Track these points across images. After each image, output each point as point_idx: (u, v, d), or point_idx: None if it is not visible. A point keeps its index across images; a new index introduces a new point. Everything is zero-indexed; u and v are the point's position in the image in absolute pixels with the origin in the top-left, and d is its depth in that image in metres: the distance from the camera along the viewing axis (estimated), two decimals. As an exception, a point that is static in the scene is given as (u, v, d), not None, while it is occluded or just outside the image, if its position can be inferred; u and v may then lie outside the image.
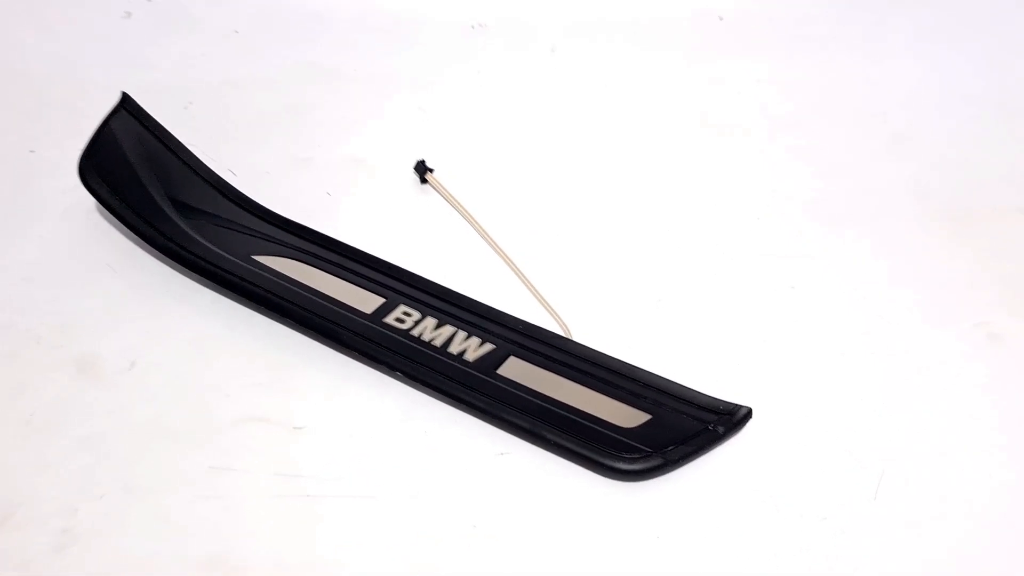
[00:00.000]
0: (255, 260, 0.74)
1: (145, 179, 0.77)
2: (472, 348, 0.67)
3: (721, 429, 0.60)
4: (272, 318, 0.71)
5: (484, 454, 0.62)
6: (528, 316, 0.70)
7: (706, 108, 0.95)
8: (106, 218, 0.79)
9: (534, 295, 0.74)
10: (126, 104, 0.79)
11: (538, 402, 0.63)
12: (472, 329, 0.68)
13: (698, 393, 0.63)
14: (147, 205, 0.76)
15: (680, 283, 0.75)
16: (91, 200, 0.76)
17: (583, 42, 1.01)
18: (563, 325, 0.71)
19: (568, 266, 0.77)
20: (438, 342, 0.67)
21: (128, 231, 0.75)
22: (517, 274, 0.75)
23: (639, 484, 0.59)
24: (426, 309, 0.70)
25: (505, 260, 0.77)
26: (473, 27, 1.05)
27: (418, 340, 0.68)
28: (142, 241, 0.74)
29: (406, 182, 0.87)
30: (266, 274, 0.73)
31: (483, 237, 0.79)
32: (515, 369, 0.66)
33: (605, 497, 0.59)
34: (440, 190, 0.85)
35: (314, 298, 0.71)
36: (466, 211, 0.82)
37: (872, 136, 0.91)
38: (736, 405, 0.62)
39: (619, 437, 0.60)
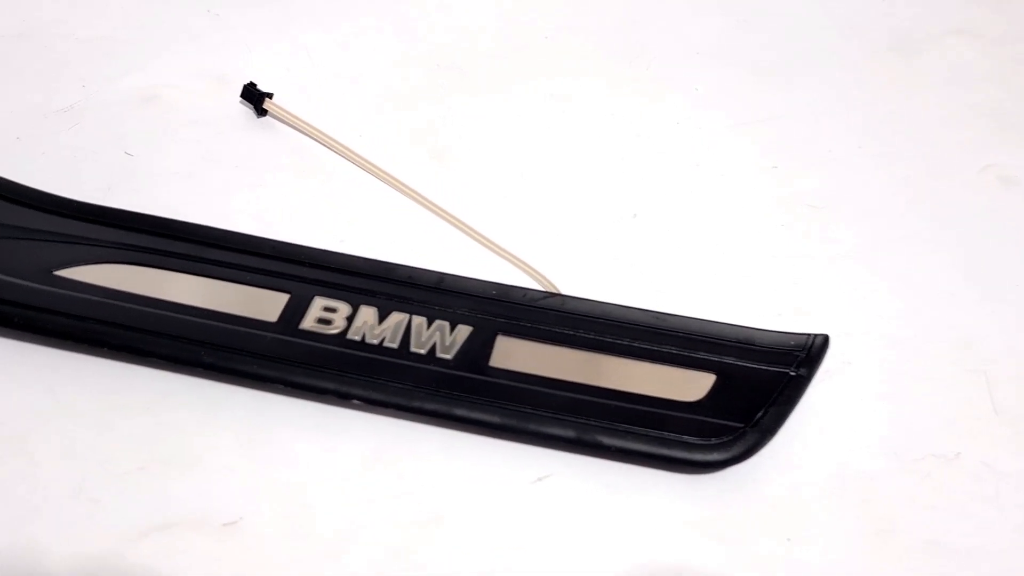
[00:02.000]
0: (60, 277, 0.48)
1: None
2: (442, 339, 0.47)
3: (804, 371, 0.46)
4: (127, 360, 0.47)
5: (515, 485, 0.44)
6: (483, 275, 0.51)
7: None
8: None
9: (479, 242, 0.54)
10: None
11: (566, 394, 0.45)
12: (428, 311, 0.48)
13: (755, 330, 0.48)
14: None
15: (651, 190, 0.59)
16: None
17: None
18: (538, 276, 0.52)
19: (498, 196, 0.58)
20: (392, 341, 0.47)
21: None
22: (443, 217, 0.55)
23: (733, 470, 0.44)
24: (354, 296, 0.49)
25: (421, 202, 0.57)
26: None
27: (362, 345, 0.47)
28: None
29: (235, 117, 0.63)
30: (90, 296, 0.47)
31: (378, 175, 0.58)
32: (511, 353, 0.47)
33: (698, 501, 0.44)
34: (291, 121, 0.61)
35: (182, 316, 0.47)
36: (343, 146, 0.59)
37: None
38: (805, 335, 0.48)
39: (691, 415, 0.45)
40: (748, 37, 0.72)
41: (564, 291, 0.51)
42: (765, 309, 0.52)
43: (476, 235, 0.54)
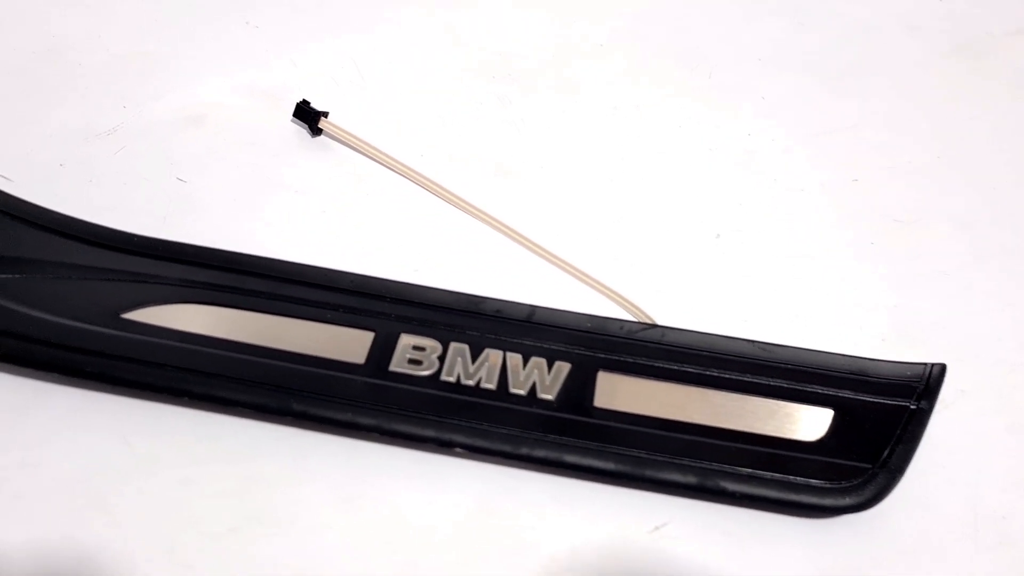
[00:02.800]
0: (129, 320, 0.45)
1: None
2: (541, 378, 0.44)
3: (925, 404, 0.44)
4: (208, 409, 0.43)
5: (632, 534, 0.41)
6: (565, 303, 0.49)
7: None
8: None
9: (561, 269, 0.51)
10: None
11: (681, 436, 0.42)
12: (523, 347, 0.45)
13: (868, 360, 0.46)
14: None
15: (730, 207, 0.57)
16: None
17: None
18: (629, 304, 0.50)
19: (572, 216, 0.55)
20: (489, 382, 0.44)
21: None
22: (520, 242, 0.53)
23: (868, 513, 0.42)
24: (442, 333, 0.46)
25: (495, 225, 0.54)
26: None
27: (459, 387, 0.44)
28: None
29: (287, 137, 0.59)
30: (164, 340, 0.44)
31: (446, 198, 0.55)
32: (615, 392, 0.44)
33: (825, 547, 0.41)
34: (348, 140, 0.58)
35: (265, 360, 0.44)
36: (406, 166, 0.56)
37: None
38: (921, 364, 0.45)
39: (814, 456, 0.42)
40: (806, 41, 0.69)
41: (655, 319, 0.48)
42: (867, 335, 0.49)
43: (558, 261, 0.51)
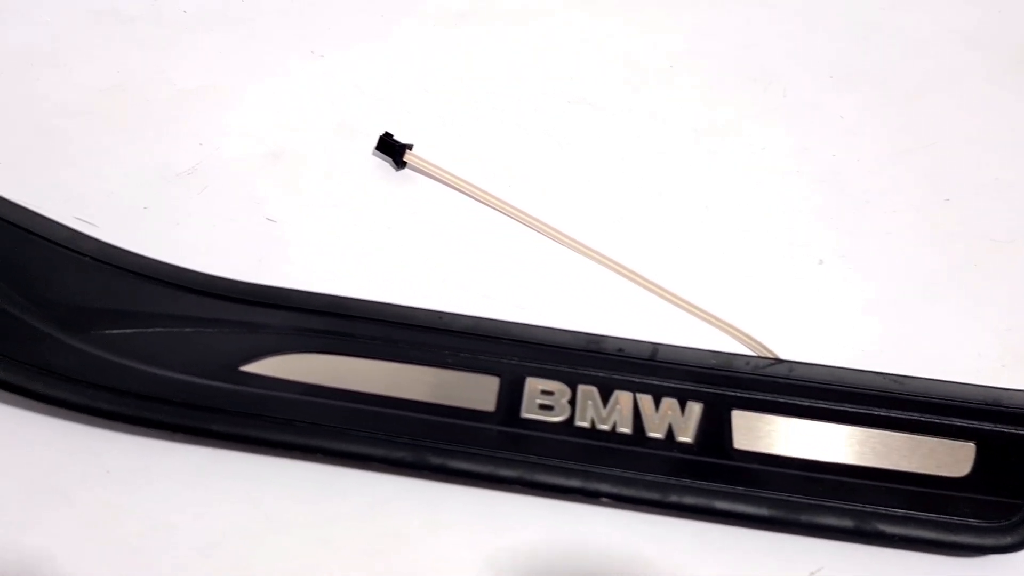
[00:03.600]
0: (248, 374, 0.43)
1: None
2: (676, 420, 0.43)
3: (1065, 434, 0.43)
4: (335, 463, 0.42)
5: (786, 581, 0.40)
6: (680, 338, 0.48)
7: None
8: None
9: (670, 300, 0.50)
10: None
11: (828, 476, 0.41)
12: (651, 388, 0.44)
13: (1001, 390, 0.45)
14: (4, 332, 0.41)
15: (827, 231, 0.55)
16: None
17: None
18: (750, 339, 0.48)
19: (670, 245, 0.54)
20: (625, 426, 0.43)
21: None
22: (623, 274, 0.51)
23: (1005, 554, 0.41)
24: (568, 375, 0.44)
25: (595, 257, 0.52)
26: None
27: (594, 432, 0.42)
28: (16, 397, 0.40)
29: (371, 171, 0.58)
30: (286, 393, 0.42)
31: (542, 230, 0.54)
32: (752, 431, 0.43)
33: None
34: (435, 173, 0.56)
35: (391, 411, 0.42)
36: (497, 198, 0.55)
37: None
38: (1055, 393, 0.44)
39: (964, 493, 0.41)
40: (873, 57, 0.68)
41: (776, 352, 0.47)
42: (986, 361, 0.48)
43: (665, 293, 0.50)
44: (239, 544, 0.39)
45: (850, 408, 0.43)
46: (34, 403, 0.41)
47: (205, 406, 0.41)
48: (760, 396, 0.44)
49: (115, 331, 0.43)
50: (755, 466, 0.41)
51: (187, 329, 0.44)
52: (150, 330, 0.44)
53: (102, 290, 0.45)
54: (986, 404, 0.43)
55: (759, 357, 0.46)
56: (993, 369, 0.47)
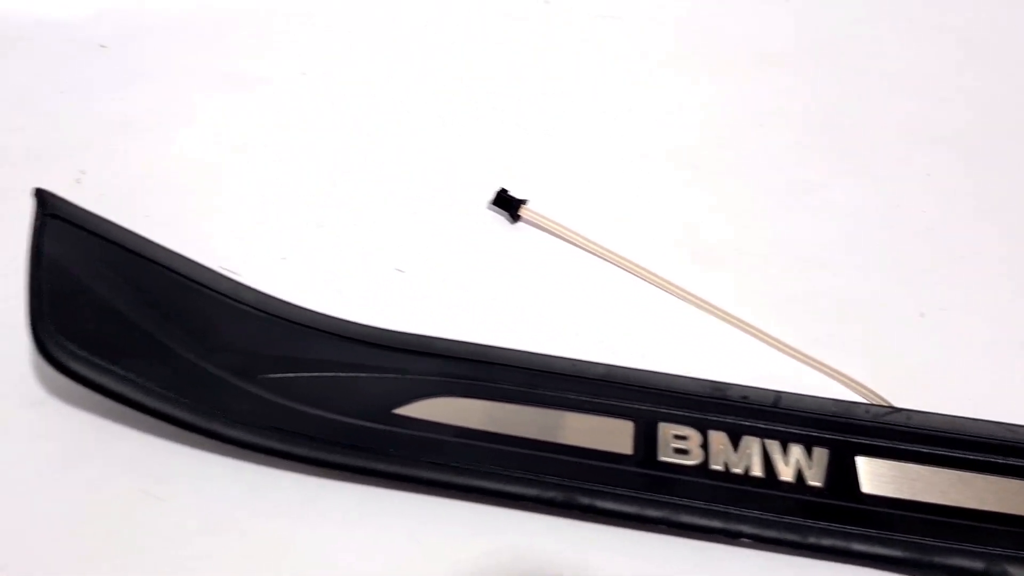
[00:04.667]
0: (401, 416, 0.46)
1: (160, 333, 0.45)
2: (805, 464, 0.45)
3: None
4: (486, 502, 0.44)
5: (919, 622, 0.42)
6: (798, 388, 0.50)
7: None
8: (102, 412, 0.46)
9: (782, 350, 0.52)
10: (52, 208, 0.46)
11: (957, 521, 0.43)
12: (777, 433, 0.46)
13: (1113, 439, 0.46)
14: (183, 377, 0.44)
15: (927, 285, 0.58)
16: (65, 387, 0.43)
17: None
18: (865, 390, 0.51)
19: (777, 297, 0.56)
20: (756, 470, 0.45)
21: (162, 424, 0.43)
22: (734, 324, 0.54)
23: None
24: (697, 420, 0.47)
25: (706, 307, 0.55)
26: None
27: (728, 475, 0.45)
28: (197, 436, 0.43)
29: (488, 224, 0.61)
30: (438, 435, 0.45)
31: (654, 281, 0.56)
32: (878, 477, 0.45)
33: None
34: (548, 226, 0.59)
35: (539, 453, 0.45)
36: (610, 251, 0.58)
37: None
38: None
39: (1086, 539, 0.43)
40: (948, 116, 0.71)
41: (890, 401, 0.49)
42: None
43: (781, 344, 0.52)
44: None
45: (970, 455, 0.45)
46: (209, 441, 0.43)
47: (366, 447, 0.44)
48: (882, 443, 0.46)
49: (279, 375, 0.46)
50: (885, 510, 0.43)
51: (342, 374, 0.47)
52: (309, 375, 0.47)
53: (264, 338, 0.48)
54: (1097, 453, 0.45)
55: (877, 405, 0.48)
56: (1099, 419, 0.49)
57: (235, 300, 0.48)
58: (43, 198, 0.46)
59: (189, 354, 0.45)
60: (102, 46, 0.69)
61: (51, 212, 0.46)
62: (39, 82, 0.67)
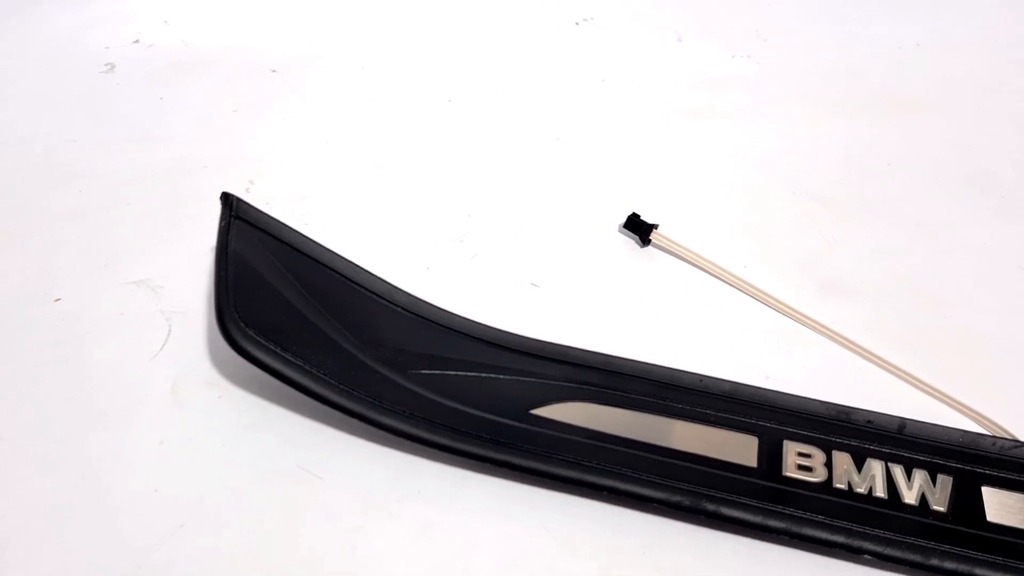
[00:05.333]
0: (537, 416, 0.49)
1: (326, 326, 0.50)
2: (928, 489, 0.46)
3: None
4: (615, 503, 0.47)
5: (1042, 652, 0.42)
6: (913, 414, 0.50)
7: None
8: (268, 395, 0.51)
9: (910, 382, 0.53)
10: (237, 210, 0.51)
11: (1084, 556, 0.43)
12: (901, 459, 0.47)
13: None
14: (344, 366, 0.49)
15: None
16: (237, 370, 0.48)
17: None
18: (989, 422, 0.51)
19: (901, 329, 0.57)
20: (880, 491, 0.46)
21: (321, 408, 0.48)
22: (865, 356, 0.55)
23: None
24: (822, 441, 0.48)
25: (831, 335, 0.56)
26: (577, 23, 0.82)
27: (851, 494, 0.46)
28: (352, 420, 0.47)
29: (619, 246, 0.64)
30: (572, 436, 0.48)
31: (781, 309, 0.58)
32: (1004, 508, 0.45)
33: None
34: (676, 250, 0.62)
35: (666, 460, 0.47)
36: (738, 277, 0.60)
37: None
38: None
39: None
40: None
41: (1015, 434, 0.49)
42: None
43: (904, 374, 0.53)
44: (535, 563, 0.44)
45: (1100, 493, 0.45)
46: (360, 426, 0.48)
47: (505, 441, 0.47)
48: (1009, 475, 0.46)
49: (428, 371, 0.50)
50: (1011, 540, 0.44)
51: (485, 375, 0.51)
52: (455, 373, 0.50)
53: (414, 337, 0.52)
54: None
55: (1003, 438, 0.48)
56: None
57: (389, 301, 0.53)
58: (229, 201, 0.52)
59: (349, 347, 0.49)
60: (272, 71, 0.76)
61: (236, 214, 0.51)
62: (217, 102, 0.73)
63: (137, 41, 0.77)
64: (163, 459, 0.48)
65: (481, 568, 0.44)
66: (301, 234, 0.54)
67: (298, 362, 0.46)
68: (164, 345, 0.54)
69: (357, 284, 0.53)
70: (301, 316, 0.49)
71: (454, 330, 0.52)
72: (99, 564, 0.43)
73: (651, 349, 0.55)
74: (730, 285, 0.60)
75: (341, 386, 0.47)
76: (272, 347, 0.46)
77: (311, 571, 0.44)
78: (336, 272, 0.53)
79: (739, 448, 0.47)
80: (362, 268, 0.54)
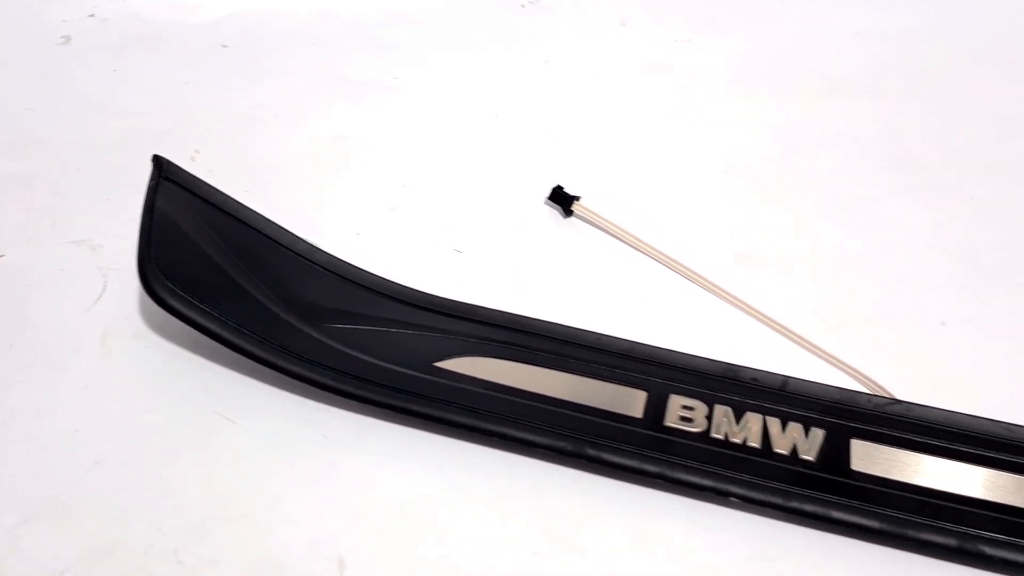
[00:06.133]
0: (440, 368, 0.52)
1: (244, 281, 0.53)
2: (800, 441, 0.49)
3: None
4: (507, 449, 0.50)
5: (894, 591, 0.45)
6: (807, 376, 0.53)
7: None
8: (191, 346, 0.55)
9: (802, 345, 0.56)
10: (167, 172, 0.55)
11: (938, 502, 0.46)
12: (779, 413, 0.50)
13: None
14: (259, 319, 0.52)
15: (953, 300, 0.60)
16: (163, 323, 0.51)
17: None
18: (870, 382, 0.54)
19: (806, 298, 0.60)
20: (754, 441, 0.49)
21: (238, 358, 0.51)
22: (758, 318, 0.58)
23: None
24: (706, 395, 0.51)
25: (735, 303, 0.59)
26: (523, 5, 0.85)
27: (727, 443, 0.49)
28: (267, 370, 0.51)
29: (543, 217, 0.67)
30: (471, 387, 0.51)
31: (692, 279, 0.61)
32: (870, 458, 0.48)
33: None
34: (598, 222, 0.65)
35: (558, 409, 0.50)
36: (653, 247, 0.63)
37: None
38: None
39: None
40: (1008, 145, 0.73)
41: (895, 395, 0.52)
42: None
43: (798, 338, 0.56)
44: (429, 504, 0.48)
45: (962, 448, 0.48)
46: (274, 375, 0.51)
47: (407, 390, 0.50)
48: (878, 429, 0.49)
49: (339, 325, 0.53)
50: (870, 486, 0.47)
51: (394, 330, 0.54)
52: (366, 328, 0.54)
53: (330, 293, 0.55)
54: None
55: (880, 396, 0.52)
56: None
57: (309, 260, 0.56)
58: (159, 163, 0.55)
59: (266, 301, 0.52)
60: (224, 46, 0.79)
61: (165, 175, 0.54)
62: (169, 74, 0.77)
63: (92, 15, 0.81)
64: (87, 403, 0.51)
65: (377, 507, 0.48)
66: (229, 197, 0.57)
67: (214, 313, 0.50)
68: (98, 299, 0.57)
69: (279, 244, 0.56)
70: (221, 271, 0.52)
71: (368, 288, 0.55)
72: (20, 494, 0.47)
73: (564, 311, 0.57)
74: (645, 254, 0.63)
75: (254, 336, 0.50)
76: (190, 298, 0.50)
77: (217, 507, 0.47)
78: (259, 232, 0.56)
79: (627, 400, 0.51)
80: (285, 229, 0.57)
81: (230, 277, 0.52)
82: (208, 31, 0.80)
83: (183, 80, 0.76)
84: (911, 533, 0.45)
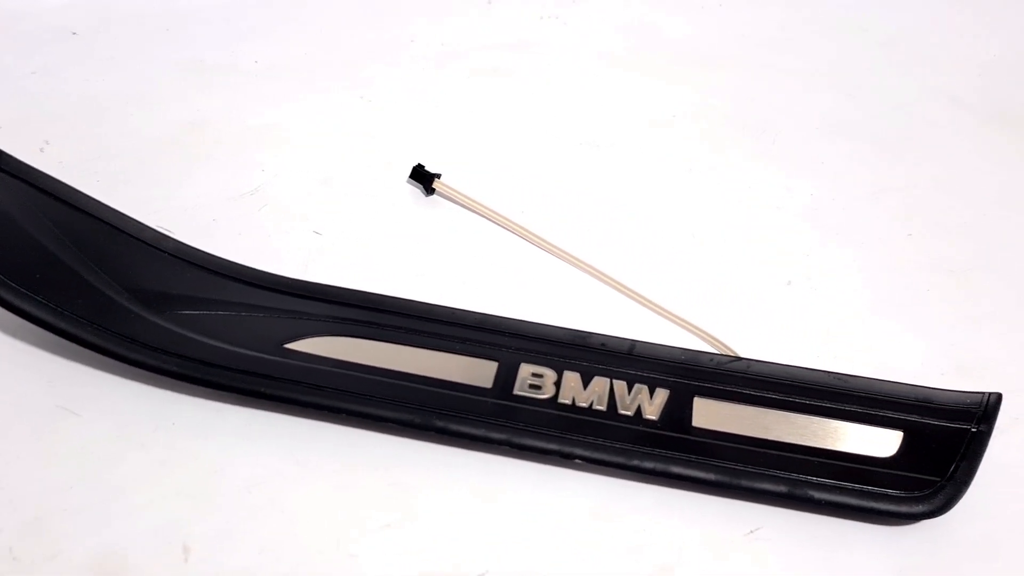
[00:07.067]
0: (290, 350, 0.52)
1: (84, 271, 0.52)
2: (645, 402, 0.51)
3: (983, 427, 0.49)
4: (357, 425, 0.50)
5: (729, 537, 0.47)
6: (655, 337, 0.55)
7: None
8: (35, 340, 0.53)
9: (653, 310, 0.58)
10: (2, 164, 0.53)
11: (771, 452, 0.48)
12: (626, 376, 0.52)
13: (932, 390, 0.51)
14: (100, 308, 0.51)
15: (799, 258, 0.63)
16: (2, 317, 0.50)
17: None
18: (716, 341, 0.56)
19: (662, 264, 0.62)
20: (600, 404, 0.50)
21: (83, 351, 0.50)
22: (612, 285, 0.59)
23: (928, 522, 0.47)
24: (556, 363, 0.52)
25: (591, 271, 0.61)
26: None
27: (574, 408, 0.50)
28: (111, 360, 0.50)
29: (404, 196, 0.67)
30: (321, 367, 0.51)
31: (549, 250, 0.62)
32: (710, 414, 0.50)
33: (902, 551, 0.46)
34: (458, 199, 0.66)
35: (407, 384, 0.51)
36: (511, 221, 0.64)
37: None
38: (980, 393, 0.51)
39: (888, 470, 0.48)
40: (858, 111, 0.77)
41: (739, 352, 0.54)
42: (928, 369, 0.55)
43: (649, 303, 0.58)
44: (276, 484, 0.48)
45: (797, 399, 0.51)
46: (121, 365, 0.50)
47: (255, 372, 0.50)
48: (720, 387, 0.51)
49: (186, 312, 0.52)
50: (709, 441, 0.48)
51: (243, 313, 0.53)
52: (214, 312, 0.53)
53: (178, 280, 0.54)
54: (917, 400, 0.50)
55: (722, 355, 0.53)
56: (932, 377, 0.54)
57: (156, 247, 0.55)
58: (-8, 152, 0.53)
59: (107, 290, 0.51)
60: (73, 33, 0.77)
61: (0, 167, 0.53)
62: (16, 63, 0.74)
63: (-70, 4, 0.78)
64: (-81, 403, 0.49)
65: (225, 489, 0.47)
66: (71, 187, 0.55)
67: (48, 303, 0.49)
68: (-67, 297, 0.55)
69: (124, 232, 0.55)
70: (57, 261, 0.51)
71: (218, 273, 0.55)
72: None
73: (423, 289, 0.58)
74: (505, 228, 0.63)
75: (92, 325, 0.49)
76: (21, 289, 0.48)
77: (56, 501, 0.46)
78: (103, 221, 0.55)
79: (478, 372, 0.51)
80: (132, 218, 0.56)
81: (68, 267, 0.51)
82: (55, 17, 0.77)
83: (30, 70, 0.73)
84: (744, 483, 0.46)
